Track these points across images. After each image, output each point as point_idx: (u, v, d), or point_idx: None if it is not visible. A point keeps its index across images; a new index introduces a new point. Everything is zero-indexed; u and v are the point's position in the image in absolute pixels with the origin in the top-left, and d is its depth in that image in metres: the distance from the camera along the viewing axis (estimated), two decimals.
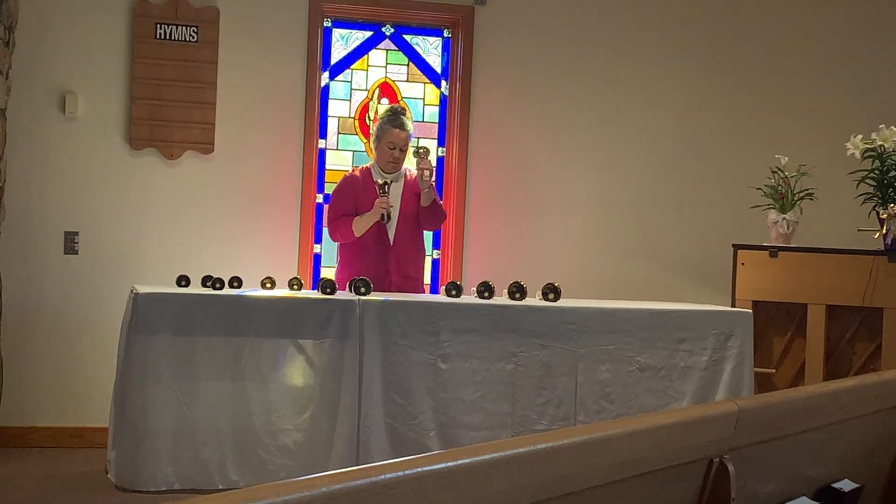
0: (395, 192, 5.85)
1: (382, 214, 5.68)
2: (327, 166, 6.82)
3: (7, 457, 5.98)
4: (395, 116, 5.85)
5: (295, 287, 5.34)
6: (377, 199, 5.70)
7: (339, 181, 6.01)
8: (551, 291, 5.37)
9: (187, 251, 6.42)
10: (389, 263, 5.76)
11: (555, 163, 6.96)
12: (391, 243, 5.79)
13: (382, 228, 5.77)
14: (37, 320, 6.31)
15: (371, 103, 6.86)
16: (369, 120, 6.85)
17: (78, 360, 6.34)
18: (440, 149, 6.94)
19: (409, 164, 5.96)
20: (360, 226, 5.74)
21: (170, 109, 6.44)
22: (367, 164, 5.96)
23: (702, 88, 7.10)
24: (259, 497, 1.38)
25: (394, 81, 6.93)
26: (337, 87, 6.86)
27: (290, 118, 6.65)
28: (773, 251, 6.02)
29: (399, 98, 6.90)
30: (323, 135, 6.79)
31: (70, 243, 6.36)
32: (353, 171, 6.04)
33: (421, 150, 5.80)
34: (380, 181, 5.75)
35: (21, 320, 6.26)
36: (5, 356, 6.18)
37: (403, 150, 5.85)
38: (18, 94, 6.21)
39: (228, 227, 6.54)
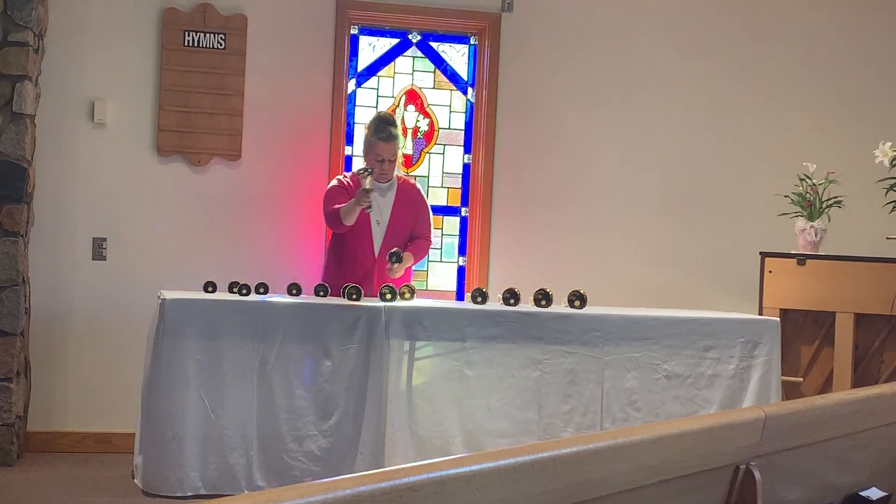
0: (386, 202, 5.79)
1: (363, 200, 5.50)
2: None
3: (35, 461, 6.01)
4: (382, 127, 5.78)
5: (321, 294, 5.35)
6: (358, 190, 5.55)
7: (329, 186, 5.94)
8: (577, 298, 5.36)
9: (214, 257, 6.44)
10: (373, 274, 5.71)
11: (581, 170, 6.94)
12: (376, 254, 5.74)
13: (368, 239, 5.72)
14: (65, 326, 6.34)
15: (397, 110, 6.87)
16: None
17: (105, 365, 6.36)
18: (466, 155, 6.93)
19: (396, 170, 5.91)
20: (346, 211, 5.57)
21: (197, 117, 6.47)
22: (355, 171, 5.87)
23: (729, 95, 7.06)
24: (283, 499, 1.38)
25: (420, 89, 6.93)
26: (364, 95, 6.87)
27: (316, 125, 6.67)
28: (801, 259, 5.98)
29: (426, 105, 6.90)
30: (349, 142, 6.80)
31: (98, 249, 6.39)
32: (343, 177, 5.96)
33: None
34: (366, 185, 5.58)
35: (49, 326, 6.30)
36: (34, 361, 6.22)
37: (392, 161, 5.79)
38: (47, 101, 6.26)
39: (255, 233, 6.56)
